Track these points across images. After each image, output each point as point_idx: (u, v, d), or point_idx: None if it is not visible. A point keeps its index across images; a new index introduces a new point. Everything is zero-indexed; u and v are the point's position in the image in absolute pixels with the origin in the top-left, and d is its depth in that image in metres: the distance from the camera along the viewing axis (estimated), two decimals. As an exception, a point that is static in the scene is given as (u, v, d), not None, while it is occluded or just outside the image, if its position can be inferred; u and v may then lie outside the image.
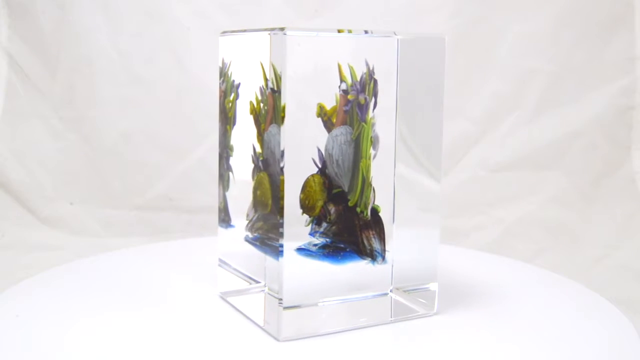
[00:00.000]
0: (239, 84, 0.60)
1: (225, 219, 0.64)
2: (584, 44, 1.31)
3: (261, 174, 0.57)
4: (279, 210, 0.54)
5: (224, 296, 0.64)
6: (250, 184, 0.59)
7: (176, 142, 1.34)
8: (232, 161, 0.62)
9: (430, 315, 0.61)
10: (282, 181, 0.53)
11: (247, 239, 0.60)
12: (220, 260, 0.65)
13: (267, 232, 0.56)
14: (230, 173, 0.62)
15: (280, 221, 0.54)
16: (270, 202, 0.56)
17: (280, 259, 0.54)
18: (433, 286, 0.61)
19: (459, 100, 1.33)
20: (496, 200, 1.33)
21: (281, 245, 0.54)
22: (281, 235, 0.54)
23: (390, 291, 0.60)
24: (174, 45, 1.33)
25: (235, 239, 0.62)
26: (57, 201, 1.34)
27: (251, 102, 0.58)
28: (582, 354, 0.55)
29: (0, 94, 1.35)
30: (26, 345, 0.55)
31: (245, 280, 0.61)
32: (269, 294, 0.57)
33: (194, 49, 1.33)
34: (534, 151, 1.33)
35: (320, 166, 0.55)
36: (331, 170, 0.55)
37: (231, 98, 0.61)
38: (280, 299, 0.54)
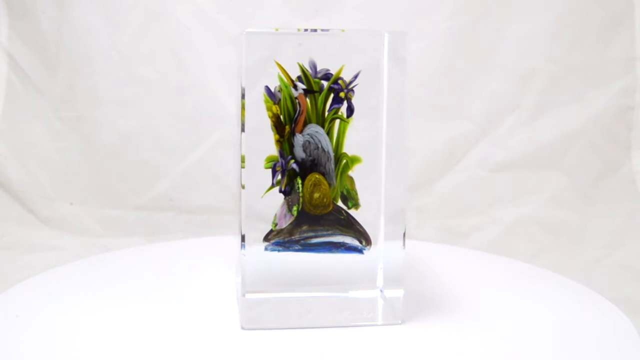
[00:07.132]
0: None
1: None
2: (584, 44, 1.31)
3: (316, 175, 0.57)
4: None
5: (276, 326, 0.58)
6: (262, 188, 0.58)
7: (176, 142, 1.33)
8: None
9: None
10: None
11: (274, 248, 0.58)
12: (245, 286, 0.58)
13: (324, 232, 0.57)
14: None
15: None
16: (331, 201, 0.58)
17: (404, 249, 0.58)
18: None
19: (459, 100, 1.33)
20: (496, 200, 1.32)
21: (404, 239, 0.57)
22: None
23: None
24: (174, 45, 1.33)
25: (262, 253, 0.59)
26: (57, 201, 1.34)
27: (269, 106, 0.57)
28: (582, 353, 0.55)
29: (0, 94, 1.35)
30: (26, 345, 0.55)
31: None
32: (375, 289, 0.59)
33: (194, 49, 1.32)
34: (534, 151, 1.33)
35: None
36: (329, 167, 0.57)
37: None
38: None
